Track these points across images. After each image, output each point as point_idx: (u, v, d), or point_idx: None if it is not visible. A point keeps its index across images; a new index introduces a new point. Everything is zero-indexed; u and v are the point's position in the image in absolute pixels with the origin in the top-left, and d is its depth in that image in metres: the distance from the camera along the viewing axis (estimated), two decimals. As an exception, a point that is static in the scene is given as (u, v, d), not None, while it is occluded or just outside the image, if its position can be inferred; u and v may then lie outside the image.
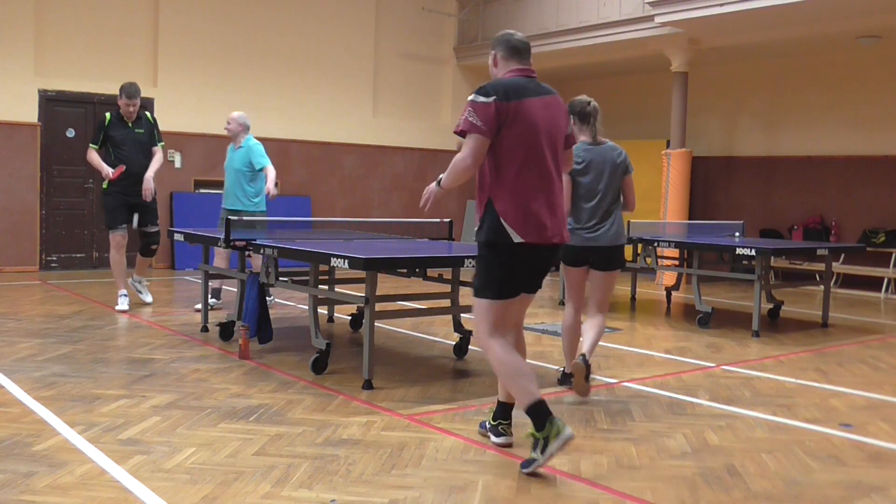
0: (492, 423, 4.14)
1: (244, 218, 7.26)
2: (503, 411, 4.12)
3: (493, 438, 4.11)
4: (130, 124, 7.80)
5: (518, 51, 3.94)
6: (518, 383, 3.72)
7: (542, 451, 3.61)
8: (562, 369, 5.47)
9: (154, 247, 8.00)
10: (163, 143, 8.06)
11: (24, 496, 3.26)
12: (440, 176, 3.89)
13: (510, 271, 3.77)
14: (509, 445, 4.08)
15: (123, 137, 7.76)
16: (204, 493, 3.34)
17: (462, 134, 3.70)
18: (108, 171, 7.66)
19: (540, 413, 3.63)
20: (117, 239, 7.93)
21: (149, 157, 7.90)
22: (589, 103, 5.28)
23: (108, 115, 7.86)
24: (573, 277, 5.28)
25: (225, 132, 8.12)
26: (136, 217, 7.95)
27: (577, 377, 4.96)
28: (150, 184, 7.80)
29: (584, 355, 5.01)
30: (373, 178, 13.80)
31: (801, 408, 5.04)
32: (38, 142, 10.89)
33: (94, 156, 7.80)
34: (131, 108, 7.72)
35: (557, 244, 3.84)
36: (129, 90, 7.72)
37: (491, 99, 3.66)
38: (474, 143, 3.65)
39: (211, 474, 3.56)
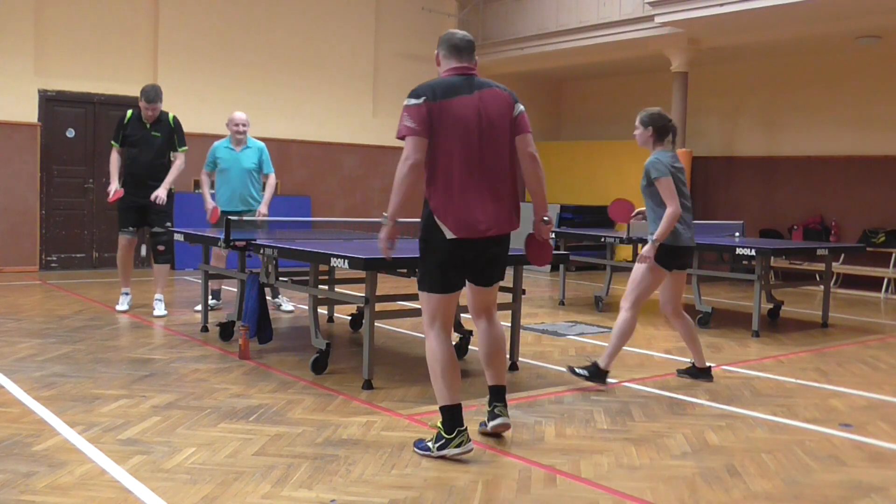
0: (487, 408, 4.18)
1: (251, 218, 7.35)
2: (498, 394, 4.16)
3: (490, 422, 4.14)
4: (148, 125, 7.66)
5: (458, 49, 3.95)
6: (439, 381, 3.85)
7: (439, 449, 3.80)
8: (594, 361, 5.42)
9: (160, 248, 7.78)
10: (185, 149, 7.84)
11: (24, 496, 3.26)
12: (383, 214, 3.93)
13: (445, 266, 3.88)
14: (507, 426, 4.13)
15: (138, 138, 7.65)
16: (204, 493, 3.34)
17: (403, 139, 3.79)
18: (112, 189, 7.65)
19: (453, 417, 3.81)
20: (123, 241, 7.91)
21: (162, 159, 7.72)
22: (671, 120, 5.42)
23: (129, 112, 7.72)
24: (658, 280, 5.31)
25: (226, 131, 8.09)
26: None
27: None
28: (161, 193, 7.56)
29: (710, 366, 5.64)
30: (373, 178, 13.80)
31: (801, 408, 5.04)
32: (38, 142, 10.89)
33: (113, 160, 7.76)
34: (150, 113, 7.58)
35: (495, 236, 3.88)
36: (148, 94, 7.54)
37: (421, 100, 3.76)
38: (412, 143, 3.74)
39: (211, 474, 3.56)
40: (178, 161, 7.80)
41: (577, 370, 5.39)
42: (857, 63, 11.88)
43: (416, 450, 3.93)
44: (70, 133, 11.18)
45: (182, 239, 7.12)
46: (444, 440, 3.81)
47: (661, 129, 5.32)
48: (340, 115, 13.36)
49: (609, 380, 5.62)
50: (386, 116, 13.95)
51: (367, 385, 5.12)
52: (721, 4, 9.96)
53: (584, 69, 14.35)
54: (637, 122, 5.37)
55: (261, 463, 3.72)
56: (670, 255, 5.26)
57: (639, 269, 5.30)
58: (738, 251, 7.72)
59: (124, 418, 4.34)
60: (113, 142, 7.79)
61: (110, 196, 7.69)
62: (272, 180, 7.93)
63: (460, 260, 3.89)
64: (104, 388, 4.96)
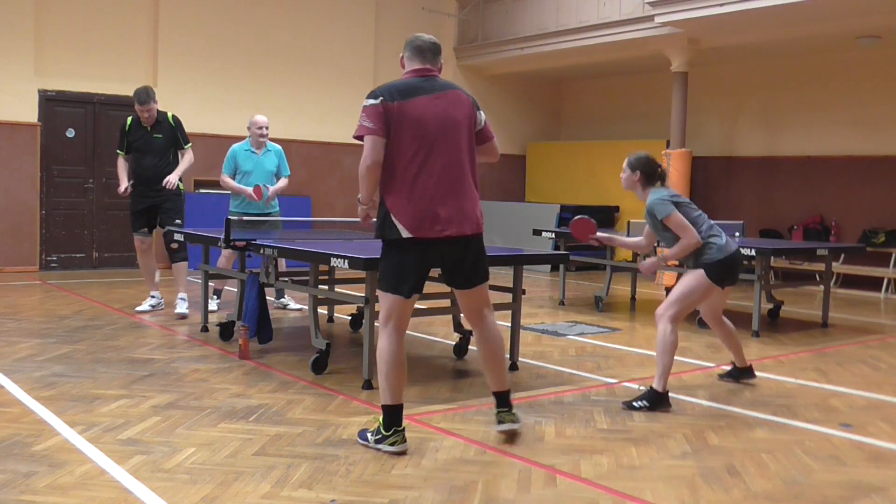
0: (497, 409, 4.21)
1: (274, 219, 7.51)
2: (501, 400, 4.19)
3: (496, 427, 4.19)
4: (149, 129, 7.61)
5: (421, 51, 3.98)
6: (384, 380, 3.88)
7: (375, 442, 3.91)
8: (649, 388, 4.96)
9: (173, 245, 7.67)
10: (190, 144, 7.80)
11: (24, 496, 3.26)
12: (358, 197, 4.00)
13: (401, 266, 3.86)
14: (515, 431, 4.15)
15: (141, 142, 7.62)
16: (204, 493, 3.34)
17: (360, 139, 3.85)
18: (122, 187, 7.63)
19: (394, 416, 3.89)
20: (136, 243, 7.94)
21: (167, 160, 7.67)
22: (661, 166, 5.19)
23: (129, 119, 7.68)
24: (708, 297, 5.10)
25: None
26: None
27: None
28: (173, 178, 7.51)
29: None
30: (373, 178, 13.78)
31: (801, 408, 5.04)
32: (38, 142, 10.89)
33: (119, 165, 7.76)
34: (146, 115, 7.51)
35: (456, 237, 3.86)
36: (139, 96, 7.47)
37: (378, 100, 3.81)
38: (369, 143, 3.80)
39: (211, 474, 3.56)
40: (188, 155, 7.78)
41: (635, 404, 4.85)
42: (857, 63, 11.88)
43: (357, 439, 4.03)
44: (70, 133, 11.18)
45: (182, 239, 7.13)
46: (381, 435, 3.91)
47: (650, 174, 5.13)
48: (340, 115, 13.35)
49: (609, 380, 5.62)
50: (386, 116, 13.94)
51: (367, 385, 5.12)
52: (721, 4, 9.96)
53: (584, 69, 14.34)
54: (625, 165, 5.16)
55: (261, 463, 3.72)
56: (725, 272, 4.97)
57: (690, 282, 4.97)
58: (738, 251, 7.70)
59: (124, 418, 4.34)
60: (118, 150, 7.76)
61: (122, 191, 7.64)
62: (284, 182, 7.99)
63: (417, 261, 3.86)
64: (104, 388, 4.96)
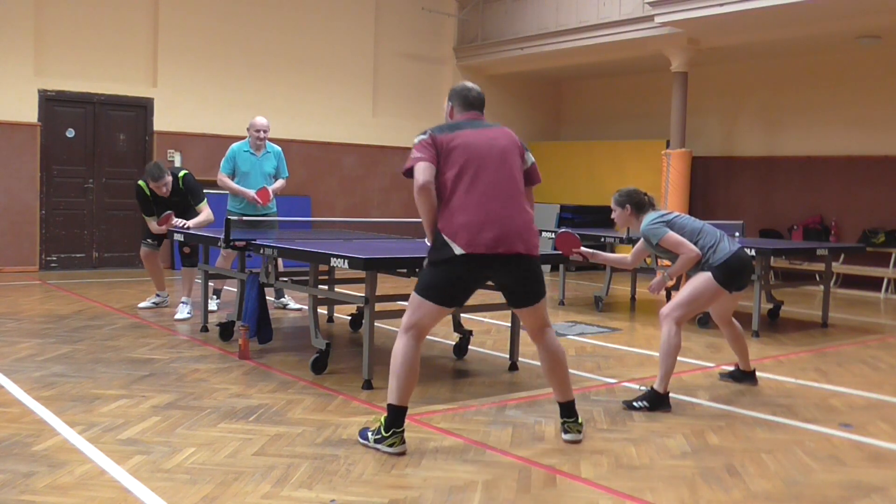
0: (562, 419, 4.24)
1: (270, 219, 7.48)
2: (565, 410, 4.21)
3: (563, 436, 4.23)
4: (165, 190, 7.59)
5: (469, 103, 4.19)
6: (396, 380, 3.90)
7: (375, 441, 3.93)
8: (650, 388, 4.96)
9: (186, 249, 7.72)
10: (204, 201, 7.75)
11: (24, 496, 3.26)
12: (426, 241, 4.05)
13: (450, 280, 3.91)
14: (577, 442, 4.17)
15: (162, 207, 7.59)
16: (204, 493, 3.34)
17: (409, 172, 3.92)
18: (180, 222, 7.53)
19: (397, 418, 3.91)
20: (143, 252, 8.05)
21: (186, 215, 7.63)
22: (646, 194, 5.24)
23: (141, 184, 7.59)
24: (715, 301, 5.16)
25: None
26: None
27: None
28: (189, 223, 7.49)
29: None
30: (373, 178, 13.80)
31: (801, 408, 5.04)
32: (38, 142, 10.89)
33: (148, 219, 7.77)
34: (163, 189, 7.50)
35: (509, 256, 3.89)
36: (152, 173, 7.48)
37: (426, 135, 3.96)
38: (419, 168, 3.87)
39: (211, 474, 3.56)
40: (205, 212, 7.70)
41: (635, 404, 4.87)
42: (857, 63, 11.88)
43: (357, 438, 4.06)
44: (70, 133, 11.18)
45: (182, 239, 7.14)
46: (380, 436, 3.92)
47: (638, 204, 5.16)
48: (340, 115, 13.36)
49: (609, 380, 5.62)
50: (386, 116, 13.95)
51: (367, 385, 5.12)
52: (721, 4, 9.95)
53: (583, 69, 14.34)
54: (613, 205, 5.22)
55: (261, 463, 3.72)
56: (732, 275, 4.98)
57: (698, 285, 4.98)
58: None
59: (124, 418, 4.34)
60: (146, 216, 7.74)
61: (162, 222, 7.53)
62: (281, 183, 7.98)
63: (467, 277, 3.91)
64: (104, 388, 4.96)
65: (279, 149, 8.08)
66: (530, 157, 4.17)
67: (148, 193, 7.62)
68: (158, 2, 11.61)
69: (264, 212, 7.85)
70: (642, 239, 5.22)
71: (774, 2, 9.46)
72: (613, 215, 5.27)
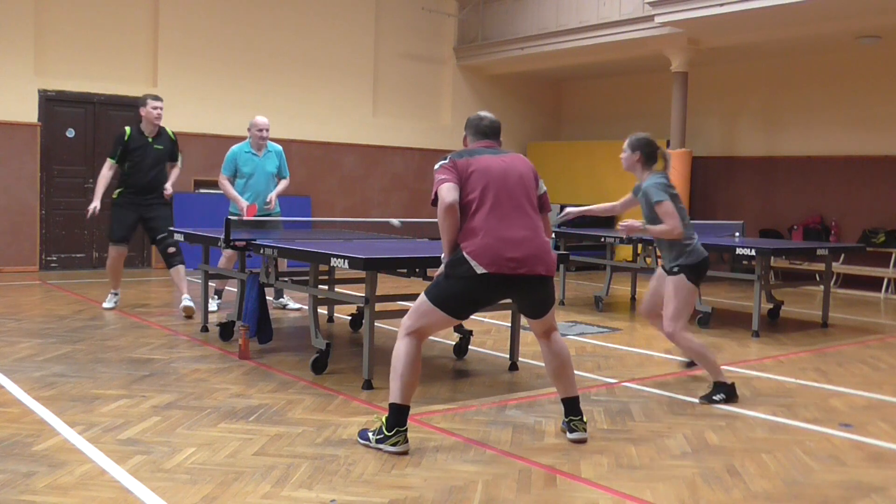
0: (566, 418, 4.26)
1: (272, 218, 7.49)
2: (570, 408, 4.24)
3: (568, 435, 4.23)
4: (151, 139, 7.71)
5: (485, 133, 4.26)
6: (399, 380, 3.94)
7: (377, 441, 3.94)
8: (715, 382, 5.15)
9: (171, 250, 7.80)
10: (181, 158, 8.04)
11: (24, 496, 3.26)
12: (441, 257, 4.08)
13: (465, 295, 3.97)
14: (583, 441, 4.17)
15: (142, 151, 7.69)
16: (204, 493, 3.34)
17: (436, 200, 3.98)
18: (93, 206, 7.70)
19: (399, 416, 3.94)
20: (113, 252, 7.95)
21: (163, 171, 7.82)
22: (659, 147, 5.38)
23: (127, 129, 7.74)
24: (695, 296, 5.33)
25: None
26: (146, 228, 7.96)
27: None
28: (169, 187, 7.84)
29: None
30: (373, 178, 13.80)
31: (801, 408, 5.04)
32: (38, 142, 10.89)
33: (104, 177, 7.76)
34: (159, 111, 7.64)
35: (529, 277, 3.97)
36: (153, 95, 7.75)
37: (448, 160, 4.06)
38: (445, 188, 3.95)
39: (211, 474, 3.56)
40: (177, 169, 7.98)
41: (714, 397, 5.04)
42: (857, 63, 11.88)
43: (358, 439, 4.06)
44: (70, 133, 11.17)
45: (182, 239, 7.13)
46: (382, 435, 3.94)
47: (650, 155, 5.25)
48: (340, 114, 13.36)
49: (609, 380, 5.63)
50: (386, 116, 13.95)
51: (367, 385, 5.12)
52: (721, 4, 9.95)
53: (584, 69, 14.34)
54: (625, 145, 5.33)
55: (261, 463, 3.72)
56: (701, 276, 5.16)
57: (677, 292, 5.09)
58: (738, 251, 7.72)
59: (124, 418, 4.34)
60: (111, 158, 7.76)
61: (89, 214, 7.75)
62: (285, 183, 7.97)
63: (485, 293, 4.00)
64: (104, 388, 4.96)
65: (280, 148, 8.04)
66: (543, 186, 4.26)
67: (126, 140, 7.66)
68: (158, 2, 11.61)
69: (268, 213, 7.83)
70: (634, 190, 5.32)
71: (774, 2, 9.46)
72: (623, 155, 5.36)
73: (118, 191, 7.79)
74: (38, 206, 10.94)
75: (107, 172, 7.76)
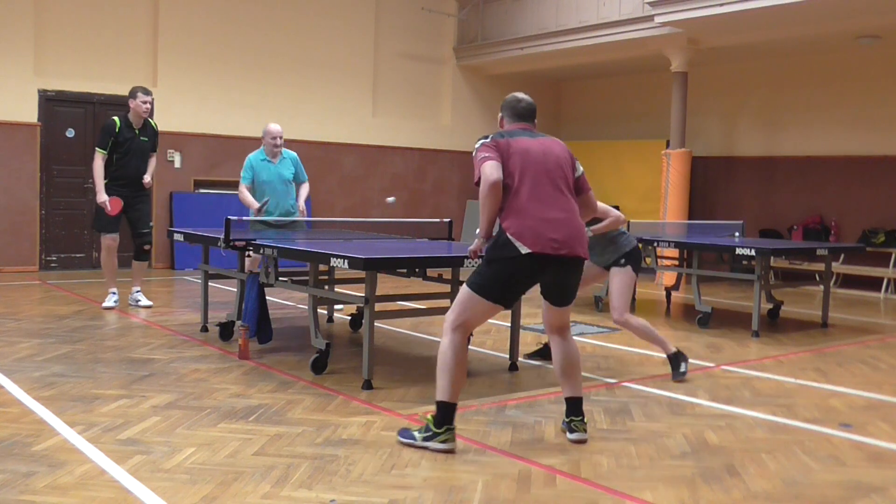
0: (567, 417, 4.29)
1: (295, 219, 7.56)
2: (572, 408, 4.26)
3: (568, 435, 4.25)
4: (137, 131, 7.84)
5: (521, 115, 4.28)
6: (447, 377, 3.97)
7: (424, 440, 3.97)
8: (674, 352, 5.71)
9: (147, 247, 8.04)
10: (157, 150, 8.24)
11: (24, 496, 3.26)
12: (477, 231, 4.13)
13: (513, 280, 4.01)
14: (583, 441, 4.19)
15: (129, 144, 7.80)
16: (204, 493, 3.34)
17: (479, 180, 3.99)
18: (105, 199, 7.74)
19: (447, 413, 3.97)
20: (108, 242, 7.99)
21: (146, 163, 7.98)
22: None
23: (116, 119, 7.82)
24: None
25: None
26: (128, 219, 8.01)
27: None
28: (148, 178, 8.00)
29: None
30: (373, 178, 13.80)
31: (801, 408, 5.04)
32: (38, 142, 10.89)
33: (99, 168, 7.78)
34: (147, 105, 7.80)
35: (569, 259, 4.02)
36: (142, 88, 7.86)
37: (489, 139, 4.08)
38: (489, 166, 3.96)
39: (211, 474, 3.56)
40: (154, 159, 8.13)
41: (681, 370, 5.63)
42: (857, 63, 11.88)
43: (400, 438, 4.07)
44: (70, 133, 11.17)
45: (182, 239, 7.13)
46: (431, 433, 3.96)
47: None
48: (340, 115, 13.36)
49: (609, 380, 5.63)
50: (386, 116, 13.95)
51: (367, 385, 5.12)
52: (721, 4, 9.95)
53: (584, 69, 14.34)
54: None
55: (261, 463, 3.72)
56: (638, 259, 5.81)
57: (623, 280, 5.66)
58: (738, 251, 7.72)
59: (124, 418, 4.34)
60: (100, 148, 7.78)
61: (109, 208, 7.76)
62: (306, 188, 7.87)
63: (529, 276, 4.02)
64: (104, 388, 4.96)
65: (294, 154, 7.89)
66: (580, 167, 4.30)
67: (117, 131, 7.73)
68: (158, 2, 11.61)
69: (285, 215, 7.82)
70: None
71: (774, 2, 9.46)
72: None
73: (104, 182, 7.82)
74: (38, 206, 10.94)
75: (100, 163, 7.80)
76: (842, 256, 11.66)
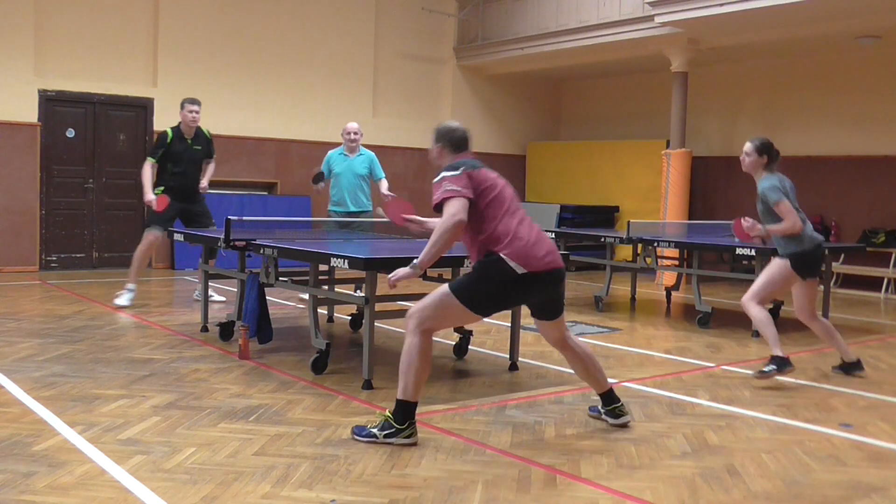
0: (607, 408, 4.47)
1: (363, 220, 7.87)
2: (608, 399, 4.43)
3: (612, 420, 4.46)
4: (189, 141, 8.08)
5: (461, 145, 4.30)
6: (412, 376, 4.02)
7: (385, 436, 4.02)
8: (772, 355, 5.63)
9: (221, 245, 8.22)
10: (214, 156, 8.48)
11: (24, 496, 3.26)
12: (413, 261, 4.10)
13: (502, 295, 4.11)
14: (628, 424, 4.41)
15: (182, 154, 8.04)
16: (204, 493, 3.34)
17: (440, 205, 4.02)
18: (152, 198, 7.89)
19: (409, 411, 4.05)
20: (151, 237, 8.14)
21: (200, 170, 8.26)
22: (778, 151, 5.91)
23: (169, 131, 8.05)
24: (789, 283, 5.81)
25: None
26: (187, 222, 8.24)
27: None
28: (205, 184, 8.31)
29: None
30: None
31: (801, 408, 5.04)
32: (38, 142, 10.88)
33: (147, 172, 8.00)
34: (195, 115, 8.02)
35: (557, 272, 4.16)
36: (192, 99, 8.13)
37: (460, 170, 4.08)
38: (458, 204, 3.99)
39: (211, 474, 3.56)
40: (212, 165, 8.44)
41: (764, 370, 5.54)
42: (857, 63, 11.88)
43: (356, 437, 4.09)
44: (70, 133, 11.17)
45: (182, 239, 7.14)
46: (393, 429, 4.03)
47: (774, 156, 5.81)
48: (340, 115, 13.30)
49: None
50: (386, 116, 13.95)
51: (367, 385, 5.12)
52: (721, 4, 9.95)
53: (584, 69, 14.34)
54: (750, 149, 5.84)
55: (261, 463, 3.72)
56: (804, 263, 5.62)
57: (773, 270, 5.71)
58: (738, 251, 7.72)
59: (124, 418, 4.34)
60: (151, 157, 8.05)
61: (155, 206, 7.91)
62: (385, 183, 8.23)
63: (519, 294, 4.13)
64: (104, 388, 4.96)
65: (372, 154, 8.44)
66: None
67: (169, 142, 7.97)
68: (158, 2, 11.61)
69: (358, 210, 8.22)
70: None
71: (774, 2, 9.46)
72: (746, 158, 5.94)
73: (159, 189, 8.03)
74: (38, 206, 10.94)
75: (148, 169, 8.05)
76: (842, 256, 11.65)
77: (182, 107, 8.05)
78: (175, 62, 11.74)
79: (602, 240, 9.52)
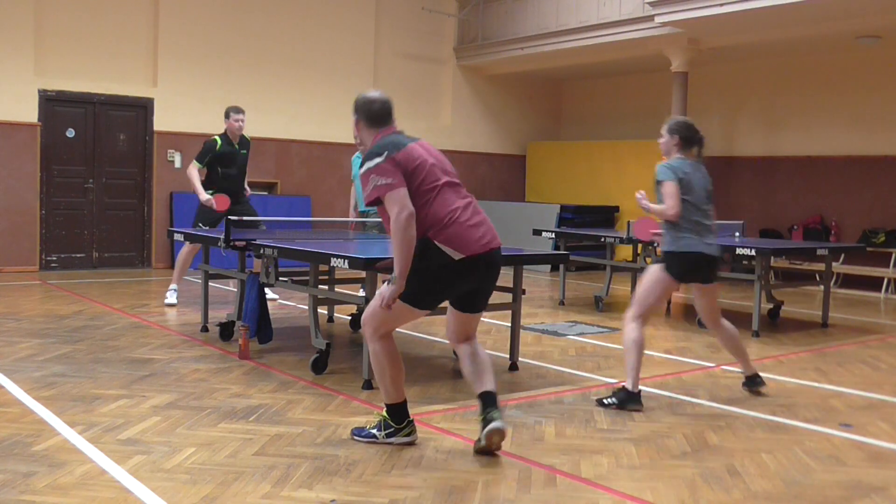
0: (482, 414, 4.07)
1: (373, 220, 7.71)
2: (491, 399, 3.98)
3: (491, 426, 3.91)
4: (236, 146, 8.29)
5: (382, 118, 3.98)
6: (392, 381, 3.97)
7: (386, 436, 4.01)
8: (622, 386, 4.94)
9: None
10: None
11: (24, 496, 3.26)
12: (389, 277, 3.86)
13: (438, 284, 3.87)
14: (503, 429, 4.00)
15: (230, 158, 8.23)
16: (204, 493, 3.34)
17: (376, 202, 3.78)
18: (209, 199, 7.99)
19: (402, 411, 4.03)
20: (190, 245, 8.24)
21: (245, 173, 8.51)
22: (699, 132, 5.21)
23: (217, 139, 8.20)
24: (669, 290, 5.16)
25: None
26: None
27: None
28: (247, 187, 8.62)
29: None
30: (373, 178, 13.78)
31: (801, 408, 5.04)
32: (38, 142, 10.88)
33: (194, 174, 8.12)
34: (241, 122, 8.27)
35: (493, 249, 3.91)
36: (235, 107, 8.37)
37: (383, 156, 3.77)
38: (396, 196, 3.71)
39: (211, 474, 3.56)
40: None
41: (605, 401, 4.90)
42: (857, 63, 11.88)
43: (356, 437, 4.08)
44: (70, 133, 11.17)
45: (182, 239, 7.14)
46: (392, 429, 4.02)
47: (687, 139, 5.12)
48: (340, 115, 13.31)
49: (609, 380, 5.62)
50: (386, 116, 13.93)
51: (367, 385, 5.12)
52: (721, 4, 9.95)
53: (584, 69, 14.34)
54: (663, 130, 5.16)
55: (261, 463, 3.72)
56: (676, 264, 4.96)
57: (646, 276, 5.09)
58: (738, 251, 7.71)
59: (124, 418, 4.34)
60: (197, 161, 8.16)
61: (216, 205, 7.96)
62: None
63: (456, 281, 3.89)
64: (104, 388, 4.96)
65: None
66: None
67: (217, 149, 8.13)
68: (158, 2, 11.61)
69: (366, 210, 8.12)
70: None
71: (774, 2, 9.45)
72: (661, 140, 5.18)
73: (210, 191, 8.12)
74: (38, 206, 10.94)
75: (195, 171, 8.19)
76: (842, 256, 11.65)
77: (227, 115, 8.27)
78: (175, 62, 11.75)
79: (602, 240, 9.52)
